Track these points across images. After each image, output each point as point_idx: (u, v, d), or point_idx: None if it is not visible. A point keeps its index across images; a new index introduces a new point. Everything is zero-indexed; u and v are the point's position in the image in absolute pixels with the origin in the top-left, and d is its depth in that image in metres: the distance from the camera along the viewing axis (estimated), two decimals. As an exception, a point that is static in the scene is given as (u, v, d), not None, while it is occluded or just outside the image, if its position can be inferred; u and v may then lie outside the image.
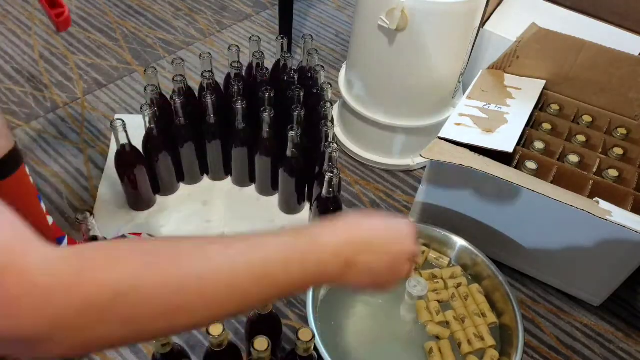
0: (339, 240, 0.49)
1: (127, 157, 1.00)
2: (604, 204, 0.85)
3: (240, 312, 0.48)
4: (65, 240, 0.94)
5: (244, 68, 1.09)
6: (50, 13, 0.77)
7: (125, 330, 0.37)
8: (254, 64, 1.08)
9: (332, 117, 1.07)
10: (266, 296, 0.48)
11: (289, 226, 0.52)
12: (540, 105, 1.12)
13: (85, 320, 0.35)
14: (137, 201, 1.10)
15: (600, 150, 1.02)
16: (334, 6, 1.76)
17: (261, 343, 0.64)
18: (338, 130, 1.29)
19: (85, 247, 0.38)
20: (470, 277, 0.97)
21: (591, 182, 0.94)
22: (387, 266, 0.54)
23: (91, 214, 0.77)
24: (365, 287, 0.55)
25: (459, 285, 0.94)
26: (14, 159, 0.79)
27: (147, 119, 0.97)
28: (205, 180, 1.18)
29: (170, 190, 1.14)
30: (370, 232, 0.52)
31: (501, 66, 1.13)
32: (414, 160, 1.23)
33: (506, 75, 1.13)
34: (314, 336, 0.66)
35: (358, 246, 0.50)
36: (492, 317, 0.90)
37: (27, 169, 0.82)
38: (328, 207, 0.95)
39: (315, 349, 0.73)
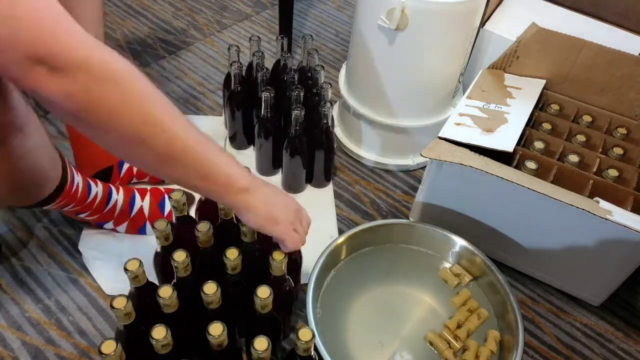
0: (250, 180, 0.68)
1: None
2: (604, 204, 0.85)
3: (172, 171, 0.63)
4: None
5: (244, 68, 1.09)
6: None
7: (108, 120, 0.54)
8: (254, 64, 1.08)
9: (332, 117, 1.07)
10: (193, 168, 0.63)
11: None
12: (540, 105, 1.12)
13: (95, 82, 0.51)
14: None
15: (600, 150, 1.02)
16: (334, 6, 1.76)
17: (261, 343, 0.64)
18: (338, 130, 1.29)
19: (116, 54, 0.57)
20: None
21: (591, 182, 0.94)
22: (283, 205, 0.73)
23: None
24: (261, 217, 0.69)
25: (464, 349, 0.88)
26: None
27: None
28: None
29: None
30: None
31: (501, 66, 1.13)
32: (414, 160, 1.23)
33: (506, 75, 1.13)
34: (314, 336, 0.66)
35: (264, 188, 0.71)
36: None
37: None
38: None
39: (315, 349, 0.73)
